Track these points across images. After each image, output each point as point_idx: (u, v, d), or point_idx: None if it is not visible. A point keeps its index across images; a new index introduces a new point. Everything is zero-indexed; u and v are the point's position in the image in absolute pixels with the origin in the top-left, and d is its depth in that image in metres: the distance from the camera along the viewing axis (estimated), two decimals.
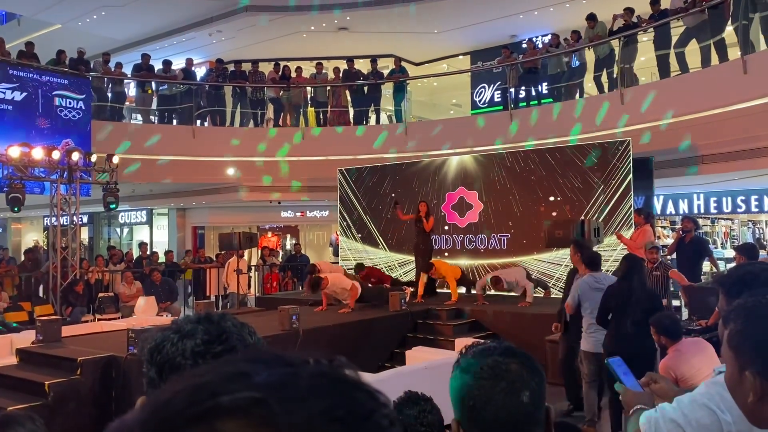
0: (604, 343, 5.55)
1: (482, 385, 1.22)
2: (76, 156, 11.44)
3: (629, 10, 11.83)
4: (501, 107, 13.89)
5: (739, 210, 15.23)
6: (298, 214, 18.15)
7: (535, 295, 9.82)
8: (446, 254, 11.81)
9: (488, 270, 11.10)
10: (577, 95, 12.83)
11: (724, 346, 1.26)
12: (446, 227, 12.06)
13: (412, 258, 11.45)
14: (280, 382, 0.46)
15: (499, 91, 14.41)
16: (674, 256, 9.53)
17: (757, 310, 1.20)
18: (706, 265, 10.07)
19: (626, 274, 5.59)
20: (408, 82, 15.19)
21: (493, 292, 10.05)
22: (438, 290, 10.61)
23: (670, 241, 14.13)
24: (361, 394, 0.48)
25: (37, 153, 11.04)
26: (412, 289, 10.41)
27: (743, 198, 14.68)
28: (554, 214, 10.68)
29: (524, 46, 14.86)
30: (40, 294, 12.18)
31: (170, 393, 0.46)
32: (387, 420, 0.48)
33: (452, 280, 9.99)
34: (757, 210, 15.23)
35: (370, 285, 10.39)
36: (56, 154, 11.22)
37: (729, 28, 10.44)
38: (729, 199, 14.80)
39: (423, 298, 10.06)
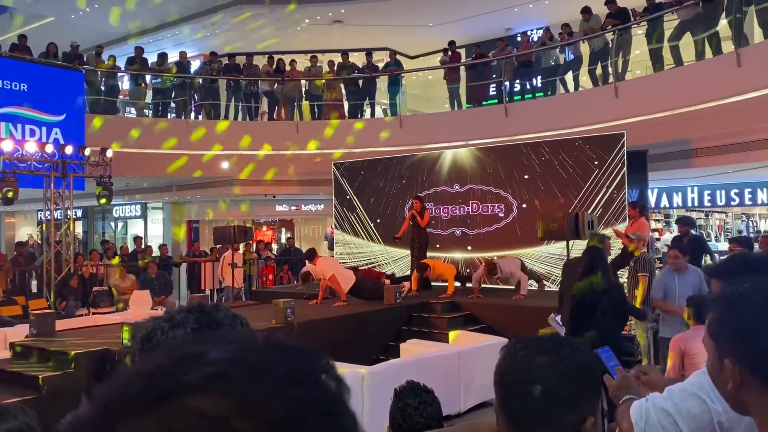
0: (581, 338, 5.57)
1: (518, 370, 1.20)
2: (69, 150, 11.40)
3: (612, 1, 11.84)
4: (496, 101, 13.91)
5: (732, 203, 15.29)
6: (293, 207, 18.13)
7: (529, 288, 9.85)
8: (438, 246, 11.83)
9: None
10: (572, 88, 12.84)
11: (705, 335, 1.28)
12: (441, 221, 12.07)
13: (408, 252, 11.46)
14: (235, 357, 0.48)
15: (494, 85, 14.42)
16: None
17: (735, 299, 1.23)
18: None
19: (592, 268, 5.57)
20: (403, 75, 15.17)
21: (488, 285, 10.07)
22: (433, 283, 10.62)
23: (667, 236, 14.21)
24: (311, 358, 0.51)
25: (30, 146, 10.99)
26: (408, 285, 10.43)
27: (737, 191, 14.74)
28: (549, 207, 10.69)
29: (519, 39, 14.85)
30: (33, 288, 12.15)
31: (122, 382, 0.47)
32: (335, 380, 0.51)
33: (450, 276, 10.02)
34: (750, 203, 15.29)
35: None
36: (49, 148, 11.17)
37: (723, 22, 10.45)
38: (723, 192, 14.85)
39: (418, 292, 10.08)
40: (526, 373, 1.17)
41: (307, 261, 9.88)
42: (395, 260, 12.41)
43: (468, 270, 11.46)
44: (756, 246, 9.26)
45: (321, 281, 9.60)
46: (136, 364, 0.50)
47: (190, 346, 0.50)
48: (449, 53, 14.73)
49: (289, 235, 18.37)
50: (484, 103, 14.43)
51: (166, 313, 1.18)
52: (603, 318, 5.36)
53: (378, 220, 12.88)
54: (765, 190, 14.48)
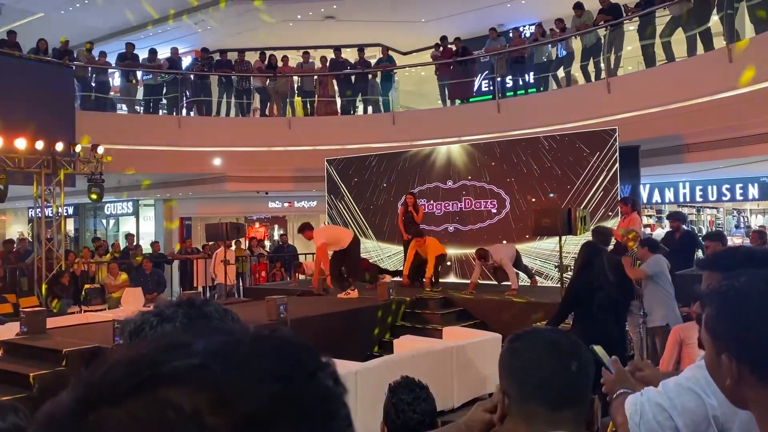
0: (574, 332, 5.57)
1: (531, 355, 1.29)
2: (60, 146, 11.31)
3: None
4: (489, 96, 13.90)
5: (724, 198, 15.36)
6: (286, 204, 18.09)
7: (522, 283, 9.85)
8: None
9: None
10: (564, 84, 12.84)
11: (702, 330, 1.27)
12: (434, 217, 12.06)
13: (401, 248, 11.45)
14: (221, 348, 0.46)
15: (487, 81, 14.42)
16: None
17: (731, 295, 1.22)
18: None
19: (587, 262, 5.60)
20: (395, 71, 15.14)
21: (482, 281, 10.05)
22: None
23: (659, 231, 14.27)
24: (305, 354, 0.49)
25: (20, 143, 10.90)
26: (393, 279, 10.41)
27: (728, 186, 14.80)
28: (541, 202, 10.70)
29: (511, 35, 14.85)
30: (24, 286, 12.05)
31: (105, 368, 0.46)
32: (331, 379, 0.48)
33: (432, 258, 10.00)
34: (741, 198, 15.38)
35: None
36: (40, 145, 11.09)
37: (715, 17, 10.48)
38: (714, 187, 14.92)
39: (409, 280, 10.08)
40: (559, 352, 1.27)
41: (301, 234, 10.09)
42: (388, 256, 12.40)
43: (464, 258, 11.46)
44: (747, 242, 9.31)
45: (314, 271, 9.71)
46: (121, 352, 0.48)
47: (178, 336, 0.48)
48: (440, 48, 14.70)
49: (282, 232, 18.33)
50: (471, 99, 14.41)
51: (155, 307, 1.16)
52: (599, 313, 5.36)
53: (371, 216, 12.86)
54: (756, 185, 14.56)
